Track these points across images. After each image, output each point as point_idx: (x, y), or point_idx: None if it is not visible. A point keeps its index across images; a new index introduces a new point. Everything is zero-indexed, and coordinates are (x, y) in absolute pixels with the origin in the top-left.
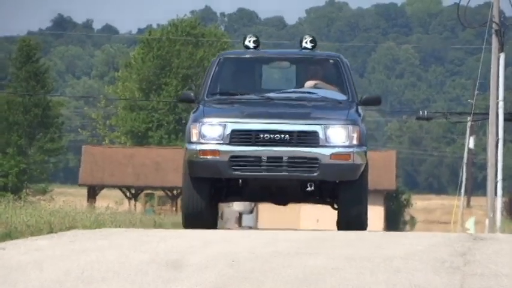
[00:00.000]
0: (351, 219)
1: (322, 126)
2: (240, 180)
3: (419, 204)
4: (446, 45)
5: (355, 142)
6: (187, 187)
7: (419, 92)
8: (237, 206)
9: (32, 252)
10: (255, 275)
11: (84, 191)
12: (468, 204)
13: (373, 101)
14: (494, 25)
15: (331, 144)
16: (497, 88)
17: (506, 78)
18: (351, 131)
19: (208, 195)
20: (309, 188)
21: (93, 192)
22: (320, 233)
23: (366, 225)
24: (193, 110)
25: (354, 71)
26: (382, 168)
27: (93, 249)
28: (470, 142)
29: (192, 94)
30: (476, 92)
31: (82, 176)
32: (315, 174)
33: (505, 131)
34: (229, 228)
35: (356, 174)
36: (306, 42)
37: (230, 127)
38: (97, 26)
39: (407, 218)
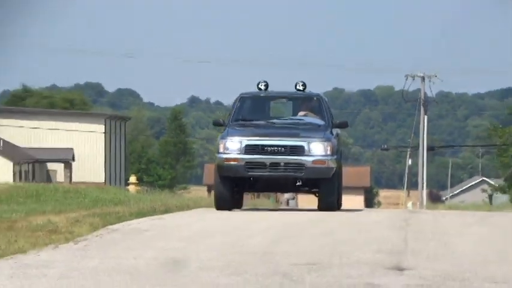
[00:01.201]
0: (327, 204)
1: (307, 142)
2: (252, 178)
3: (382, 194)
4: (398, 111)
5: (329, 153)
6: (217, 183)
7: (383, 136)
8: (287, 195)
9: (179, 219)
10: (298, 232)
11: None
12: (408, 195)
13: (342, 125)
14: (422, 101)
15: (313, 154)
16: (423, 134)
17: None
18: (326, 145)
19: (231, 188)
20: (298, 183)
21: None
22: (331, 212)
23: (338, 207)
24: (222, 131)
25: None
26: (363, 175)
27: (210, 218)
28: (409, 161)
29: (221, 120)
30: (412, 135)
31: (204, 179)
32: (302, 174)
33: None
34: (282, 209)
35: (330, 174)
36: (299, 86)
37: (245, 142)
38: None
39: (376, 202)
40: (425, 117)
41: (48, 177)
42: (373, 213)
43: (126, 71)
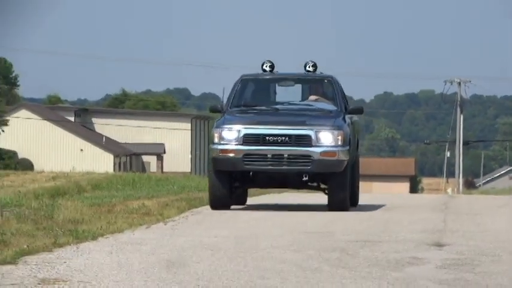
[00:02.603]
0: (337, 203)
1: (314, 130)
2: (251, 172)
3: (425, 181)
4: (438, 111)
5: (340, 143)
6: (212, 178)
7: (425, 132)
8: None
9: (250, 203)
10: (349, 214)
11: None
12: (447, 182)
13: (357, 111)
14: (458, 102)
15: (321, 144)
16: (459, 130)
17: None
18: (336, 134)
19: (228, 184)
20: (304, 178)
21: None
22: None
23: (348, 207)
24: (218, 119)
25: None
26: (409, 165)
27: (276, 202)
28: (448, 153)
29: (219, 106)
30: (450, 132)
31: None
32: (309, 167)
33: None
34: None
35: (341, 167)
36: (309, 67)
37: (243, 132)
38: None
39: (420, 188)
40: (461, 116)
41: (143, 167)
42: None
43: (209, 78)
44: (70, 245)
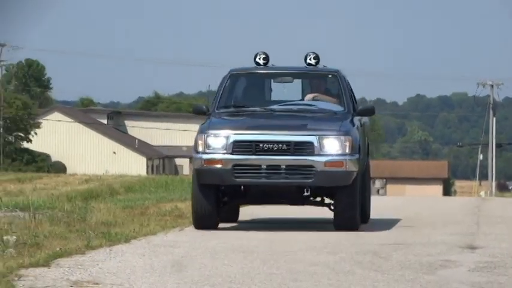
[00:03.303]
0: (345, 220)
1: (317, 136)
2: (242, 186)
3: (458, 184)
4: (471, 114)
5: (347, 151)
6: (195, 193)
7: (458, 135)
8: (377, 184)
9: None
10: (381, 216)
11: None
12: (480, 184)
13: (368, 112)
14: (491, 105)
15: (326, 153)
16: (492, 133)
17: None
18: (343, 140)
19: (215, 200)
20: (305, 193)
21: None
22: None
23: (359, 226)
24: (202, 123)
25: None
26: (442, 168)
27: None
28: (481, 156)
29: (204, 107)
30: (483, 134)
31: None
32: (311, 180)
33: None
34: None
35: (349, 180)
36: (310, 59)
37: (232, 138)
38: None
39: (453, 191)
40: (494, 118)
41: (175, 170)
42: (451, 201)
43: None
44: (103, 247)
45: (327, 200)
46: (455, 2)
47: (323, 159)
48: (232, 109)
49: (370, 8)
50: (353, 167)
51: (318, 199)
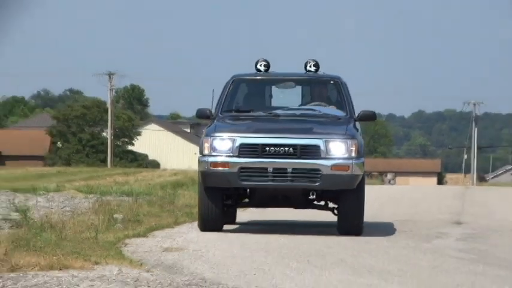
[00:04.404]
0: (350, 227)
1: (323, 140)
2: (248, 189)
3: (448, 176)
4: (459, 125)
5: (353, 154)
6: (201, 195)
7: (450, 140)
8: (389, 176)
9: None
10: (394, 201)
11: None
12: (465, 176)
13: (369, 117)
14: (474, 118)
15: (332, 157)
16: (474, 139)
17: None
18: (350, 144)
19: (221, 202)
20: (311, 196)
21: None
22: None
23: (362, 230)
24: (207, 126)
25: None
26: (436, 164)
27: None
28: (465, 156)
29: (208, 111)
30: (468, 140)
31: None
32: (317, 183)
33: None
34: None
35: (354, 184)
36: (310, 66)
37: (239, 141)
38: None
39: (444, 182)
40: (476, 128)
41: None
42: (442, 188)
43: None
44: (186, 223)
45: (331, 204)
46: (443, 36)
47: (329, 162)
48: (235, 113)
49: (369, 21)
50: (358, 171)
51: (322, 203)
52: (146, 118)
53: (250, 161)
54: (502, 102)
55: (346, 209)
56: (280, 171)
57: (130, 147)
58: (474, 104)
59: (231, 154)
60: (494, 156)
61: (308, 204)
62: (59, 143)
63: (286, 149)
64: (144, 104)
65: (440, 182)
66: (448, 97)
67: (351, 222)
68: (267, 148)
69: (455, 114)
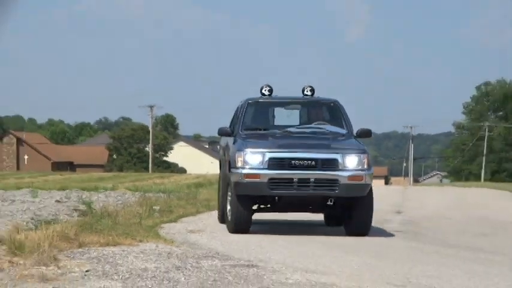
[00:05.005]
0: (362, 228)
1: (341, 154)
2: (276, 197)
3: (393, 179)
4: (400, 143)
5: (365, 166)
6: (234, 202)
7: (395, 153)
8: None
9: None
10: None
11: None
12: (404, 179)
13: (366, 134)
14: (411, 138)
15: (348, 168)
16: (411, 153)
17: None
18: (362, 158)
19: (251, 208)
20: (329, 202)
21: None
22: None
23: (369, 230)
24: (233, 142)
25: None
26: (384, 170)
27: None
28: (404, 164)
29: (228, 129)
30: (406, 153)
31: None
32: (336, 191)
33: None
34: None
35: (366, 191)
36: (307, 91)
37: (268, 155)
38: None
39: (390, 183)
40: (412, 145)
41: None
42: (388, 188)
43: None
44: (205, 212)
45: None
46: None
47: (346, 173)
48: (253, 131)
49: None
50: (369, 180)
51: (336, 209)
52: (177, 137)
53: (278, 172)
54: (431, 125)
55: (359, 213)
56: (304, 181)
57: (165, 158)
58: (411, 127)
59: (262, 167)
60: (425, 165)
61: (323, 210)
62: (114, 155)
63: (309, 162)
64: (175, 127)
65: (386, 183)
66: (393, 122)
67: (363, 224)
68: (293, 161)
69: (397, 134)
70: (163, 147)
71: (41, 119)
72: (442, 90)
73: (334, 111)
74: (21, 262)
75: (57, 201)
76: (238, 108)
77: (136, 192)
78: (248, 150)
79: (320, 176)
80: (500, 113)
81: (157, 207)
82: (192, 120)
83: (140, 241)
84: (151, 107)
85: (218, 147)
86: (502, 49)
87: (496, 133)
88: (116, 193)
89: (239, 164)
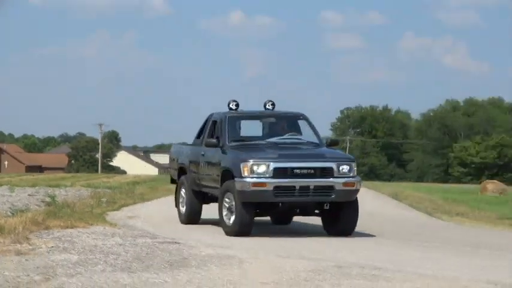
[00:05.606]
0: (349, 228)
1: (335, 163)
2: (280, 203)
3: None
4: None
5: (355, 173)
6: (239, 209)
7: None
8: None
9: None
10: None
11: None
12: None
13: (335, 143)
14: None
15: (342, 176)
16: None
17: None
18: (353, 166)
19: (253, 214)
20: (326, 207)
21: None
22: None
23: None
24: (222, 152)
25: None
26: None
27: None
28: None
29: (215, 141)
30: None
31: None
32: (332, 196)
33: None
34: None
35: (355, 196)
36: (269, 105)
37: (272, 165)
38: None
39: None
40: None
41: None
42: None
43: None
44: (140, 203)
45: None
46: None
47: (341, 180)
48: (239, 142)
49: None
50: (359, 186)
51: (317, 211)
52: (119, 148)
53: (282, 180)
54: None
55: (348, 215)
56: (304, 188)
57: (110, 163)
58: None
59: (268, 176)
60: None
61: (318, 213)
62: (73, 161)
63: (309, 170)
64: (118, 140)
65: None
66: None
67: (350, 225)
68: (295, 170)
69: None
70: (109, 155)
71: (18, 134)
72: (314, 113)
73: (303, 124)
74: (1, 241)
75: (29, 195)
76: (208, 121)
77: (89, 188)
78: (253, 160)
79: (318, 183)
80: (358, 129)
81: (104, 199)
82: (131, 135)
83: (91, 224)
84: (100, 125)
85: (170, 156)
86: (359, 84)
87: (354, 144)
88: (73, 189)
89: (245, 173)
